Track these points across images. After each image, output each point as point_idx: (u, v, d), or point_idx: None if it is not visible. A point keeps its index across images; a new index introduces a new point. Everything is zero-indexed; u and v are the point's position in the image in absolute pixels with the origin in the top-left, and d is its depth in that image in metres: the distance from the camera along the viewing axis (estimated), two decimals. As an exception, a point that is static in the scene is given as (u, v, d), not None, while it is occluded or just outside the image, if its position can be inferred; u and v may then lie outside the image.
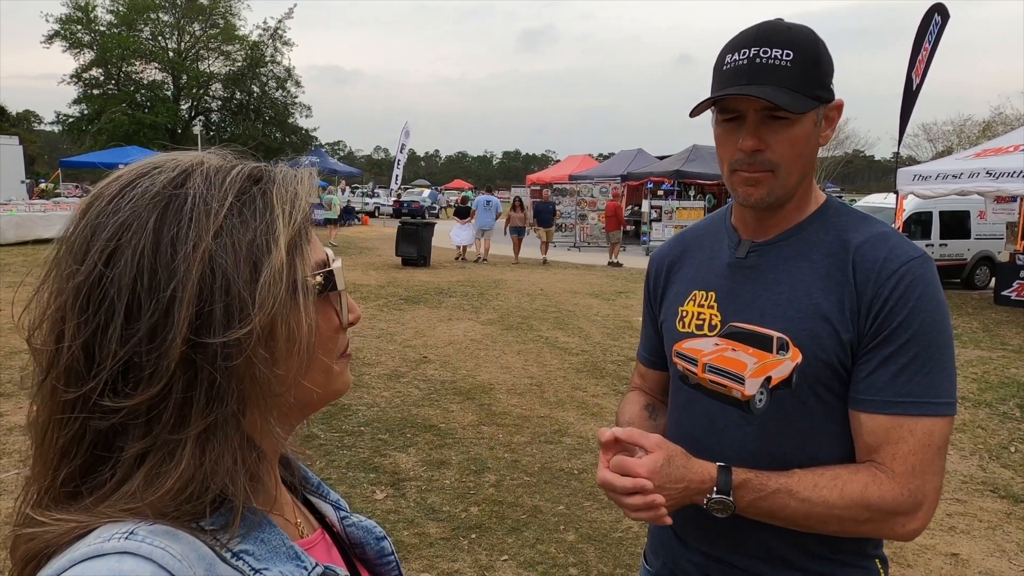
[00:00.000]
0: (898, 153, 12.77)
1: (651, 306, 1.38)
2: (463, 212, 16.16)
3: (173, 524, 0.50)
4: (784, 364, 1.10)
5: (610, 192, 19.53)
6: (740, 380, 1.13)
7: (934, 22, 10.62)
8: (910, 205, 11.88)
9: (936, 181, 10.01)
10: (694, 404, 1.22)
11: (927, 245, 12.93)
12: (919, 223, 12.93)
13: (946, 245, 13.16)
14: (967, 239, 13.34)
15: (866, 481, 1.02)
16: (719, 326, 1.18)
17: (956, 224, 13.24)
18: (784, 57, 1.02)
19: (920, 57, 10.71)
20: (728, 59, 1.07)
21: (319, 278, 0.59)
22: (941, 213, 12.97)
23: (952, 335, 1.07)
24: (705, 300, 1.21)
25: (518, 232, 16.38)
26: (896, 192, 10.80)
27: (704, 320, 1.21)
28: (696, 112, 1.11)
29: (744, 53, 1.05)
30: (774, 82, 1.02)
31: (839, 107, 1.11)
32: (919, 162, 17.74)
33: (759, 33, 1.06)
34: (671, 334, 1.27)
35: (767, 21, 1.09)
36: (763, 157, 1.07)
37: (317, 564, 0.58)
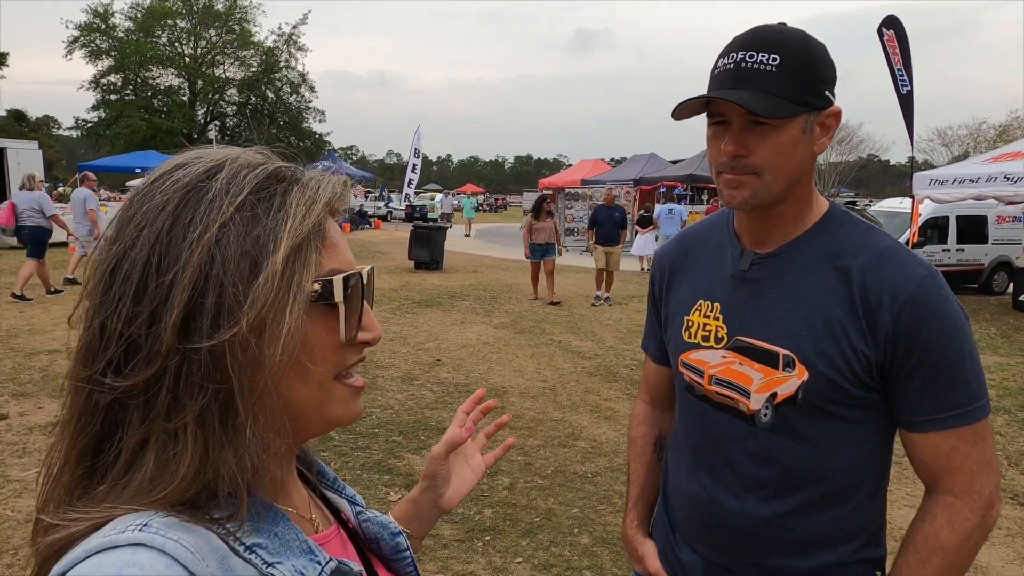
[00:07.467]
0: (912, 157, 12.66)
1: (655, 305, 1.39)
2: (645, 221, 14.94)
3: (186, 516, 0.50)
4: (790, 381, 1.09)
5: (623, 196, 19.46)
6: (746, 393, 1.13)
7: (884, 35, 10.73)
8: (926, 210, 11.74)
9: (953, 185, 9.90)
10: (701, 414, 1.22)
11: (944, 250, 12.79)
12: (935, 228, 12.79)
13: (963, 250, 13.01)
14: (984, 244, 13.18)
15: (943, 522, 1.06)
16: (725, 339, 1.18)
17: (973, 229, 13.07)
18: (770, 62, 1.00)
19: (896, 64, 10.76)
20: (719, 63, 1.06)
21: (316, 286, 0.56)
22: (958, 218, 12.83)
23: (972, 334, 1.07)
24: (711, 311, 1.21)
25: (542, 252, 10.27)
26: (912, 196, 10.71)
27: (710, 332, 1.20)
28: (679, 115, 1.09)
29: (732, 57, 1.04)
30: (757, 87, 1.01)
31: (836, 114, 1.07)
32: (935, 166, 17.56)
33: (749, 37, 1.04)
34: (677, 343, 1.27)
35: (761, 25, 1.07)
36: (746, 162, 1.05)
37: (331, 559, 0.58)
